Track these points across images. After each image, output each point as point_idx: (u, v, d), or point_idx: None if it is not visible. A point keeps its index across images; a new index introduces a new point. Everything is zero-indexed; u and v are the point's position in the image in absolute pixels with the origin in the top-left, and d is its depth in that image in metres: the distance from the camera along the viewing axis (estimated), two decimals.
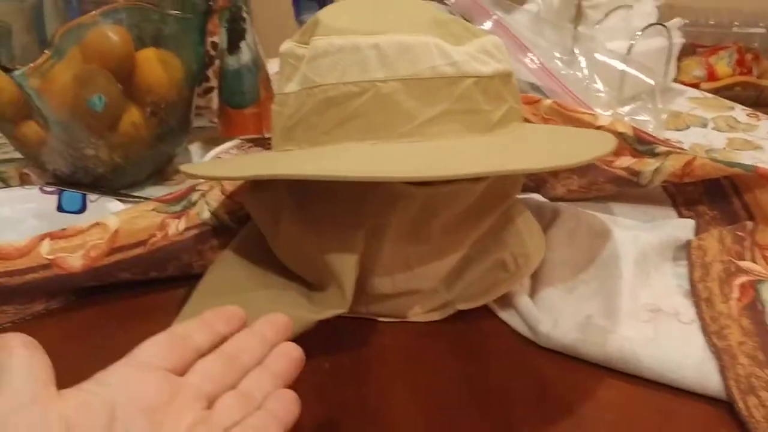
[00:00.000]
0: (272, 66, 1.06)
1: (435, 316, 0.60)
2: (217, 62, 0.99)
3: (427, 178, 0.46)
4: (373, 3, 0.59)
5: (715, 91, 1.69)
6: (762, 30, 1.92)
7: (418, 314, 0.60)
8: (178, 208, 0.66)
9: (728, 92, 1.74)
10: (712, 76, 1.79)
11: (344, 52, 0.52)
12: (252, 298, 0.57)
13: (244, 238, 0.64)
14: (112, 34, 0.73)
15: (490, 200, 0.58)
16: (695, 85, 1.73)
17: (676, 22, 1.02)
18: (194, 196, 0.67)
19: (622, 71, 0.87)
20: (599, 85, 0.82)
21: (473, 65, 0.53)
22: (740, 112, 1.03)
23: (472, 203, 0.56)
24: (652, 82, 0.85)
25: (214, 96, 1.02)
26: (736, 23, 1.92)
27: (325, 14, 0.56)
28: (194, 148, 0.94)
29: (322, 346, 0.55)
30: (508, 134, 0.55)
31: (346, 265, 0.54)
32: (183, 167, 0.58)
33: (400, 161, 0.49)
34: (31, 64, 0.67)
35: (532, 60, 0.85)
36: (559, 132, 0.63)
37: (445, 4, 0.92)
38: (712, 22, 1.92)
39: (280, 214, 0.58)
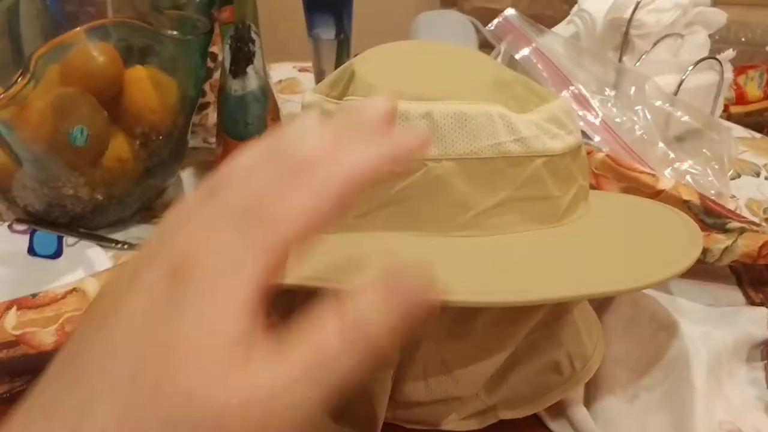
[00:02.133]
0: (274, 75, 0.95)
1: (473, 425, 0.50)
2: (216, 75, 0.89)
3: (492, 304, 0.37)
4: (421, 54, 0.49)
5: (745, 116, 1.60)
6: None
7: (453, 422, 0.50)
8: None
9: (758, 117, 1.65)
10: (741, 98, 1.69)
11: None
12: None
13: None
14: (96, 53, 0.63)
15: None
16: (723, 109, 1.64)
17: (728, 54, 0.92)
18: None
19: (667, 111, 0.77)
20: (656, 137, 0.72)
21: (543, 140, 0.43)
22: None
23: None
24: (699, 125, 0.75)
25: (211, 112, 0.91)
26: None
27: (362, 65, 0.46)
28: (186, 175, 0.83)
29: None
30: (577, 224, 0.46)
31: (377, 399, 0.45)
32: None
33: (455, 269, 0.39)
34: (2, 94, 0.56)
35: (577, 99, 0.75)
36: (632, 216, 0.54)
37: (479, 29, 0.82)
38: (743, 39, 1.82)
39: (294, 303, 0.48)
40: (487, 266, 0.40)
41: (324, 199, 0.25)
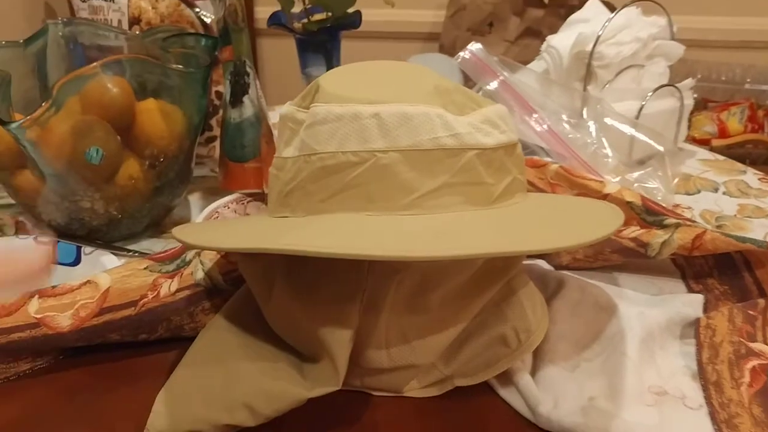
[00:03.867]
0: (275, 116, 1.05)
1: (432, 392, 0.57)
2: (221, 112, 0.99)
3: (424, 258, 0.44)
4: (376, 70, 0.57)
5: (727, 148, 1.68)
6: None
7: (414, 389, 0.57)
8: (171, 267, 0.64)
9: (740, 150, 1.72)
10: (723, 132, 1.77)
11: (344, 120, 0.51)
12: (243, 369, 0.54)
13: (237, 302, 0.62)
14: (111, 86, 0.72)
15: (492, 272, 0.56)
16: (706, 142, 1.72)
17: (688, 83, 1.00)
18: (189, 255, 0.65)
19: (630, 136, 0.85)
20: (608, 150, 0.80)
21: (476, 137, 0.51)
22: (752, 177, 1.01)
23: (473, 275, 0.55)
24: (661, 148, 0.84)
25: (217, 145, 1.01)
26: (748, 80, 1.91)
27: (325, 80, 0.55)
28: (194, 199, 0.93)
29: (313, 420, 0.54)
30: (510, 207, 0.54)
31: (339, 341, 0.51)
32: (174, 231, 0.57)
33: (398, 237, 0.47)
34: (28, 117, 0.66)
35: (538, 122, 0.83)
36: (563, 205, 0.61)
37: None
38: (724, 78, 1.91)
39: (274, 281, 0.56)
40: (428, 233, 0.48)
41: None
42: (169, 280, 0.63)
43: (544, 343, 0.60)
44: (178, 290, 0.63)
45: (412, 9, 1.92)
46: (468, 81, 1.03)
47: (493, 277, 0.56)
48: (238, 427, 0.50)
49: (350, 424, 0.54)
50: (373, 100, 0.51)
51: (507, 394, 0.57)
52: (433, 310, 0.54)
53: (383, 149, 0.50)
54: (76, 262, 0.74)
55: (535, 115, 0.85)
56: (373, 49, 1.51)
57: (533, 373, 0.58)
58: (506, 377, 0.57)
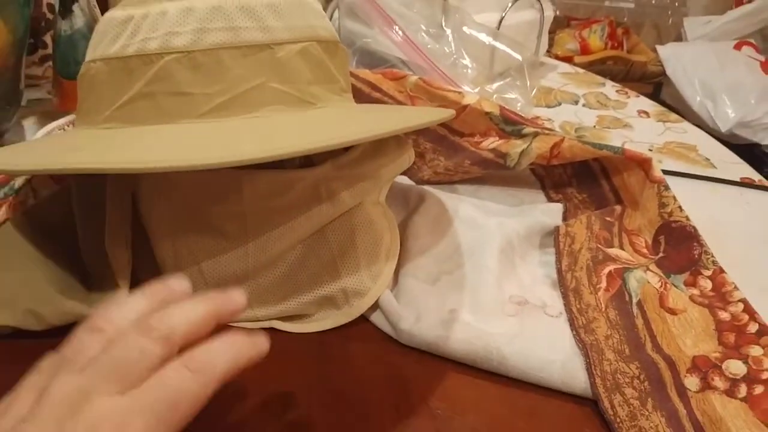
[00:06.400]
0: None
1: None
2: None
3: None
4: None
5: (588, 65, 1.71)
6: (631, 5, 1.95)
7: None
8: None
9: (601, 66, 1.76)
10: (585, 49, 1.80)
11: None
12: (32, 275, 0.52)
13: (35, 209, 0.57)
14: None
15: (307, 195, 0.52)
16: (569, 59, 1.74)
17: None
18: (18, 182, 0.59)
19: (491, 46, 0.83)
20: (467, 61, 0.78)
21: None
22: (611, 89, 1.02)
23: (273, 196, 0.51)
24: (519, 57, 0.82)
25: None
26: None
27: None
28: (28, 124, 0.85)
29: None
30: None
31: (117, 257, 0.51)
32: None
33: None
34: None
35: (397, 33, 0.80)
36: (382, 109, 0.58)
37: None
38: None
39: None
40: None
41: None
42: None
43: (405, 257, 0.58)
44: (5, 220, 0.57)
45: None
46: None
47: (310, 199, 0.52)
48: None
49: None
50: None
51: (368, 311, 0.54)
52: (224, 229, 0.51)
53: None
54: None
55: (395, 27, 0.81)
56: None
57: (394, 288, 0.56)
58: None
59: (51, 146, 0.49)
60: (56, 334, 0.47)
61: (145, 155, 0.41)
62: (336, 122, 0.48)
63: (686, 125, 0.92)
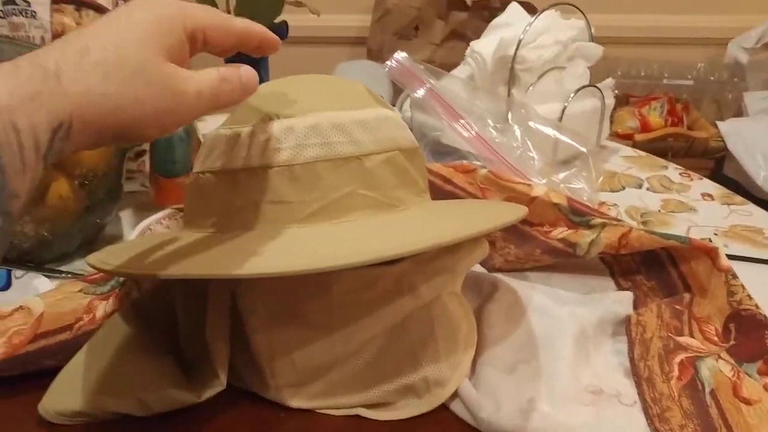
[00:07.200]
0: (205, 127, 1.04)
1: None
2: None
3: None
4: (304, 83, 0.58)
5: (649, 142, 1.73)
6: (690, 82, 1.97)
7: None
8: (105, 288, 0.63)
9: (662, 143, 1.78)
10: (645, 126, 1.83)
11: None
12: (141, 364, 0.56)
13: (136, 304, 0.63)
14: None
15: (390, 288, 0.55)
16: (629, 136, 1.77)
17: (608, 83, 1.03)
18: None
19: (555, 138, 0.87)
20: (533, 153, 0.82)
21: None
22: (673, 172, 1.04)
23: (362, 289, 0.54)
24: (584, 149, 0.86)
25: (147, 160, 0.98)
26: (665, 75, 1.97)
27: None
28: (126, 215, 0.91)
29: None
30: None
31: (216, 346, 0.54)
32: (88, 259, 0.55)
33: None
34: None
35: (465, 128, 0.84)
36: (463, 205, 0.63)
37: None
38: (643, 73, 1.96)
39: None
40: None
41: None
42: (105, 302, 0.62)
43: (482, 346, 0.61)
44: (114, 311, 0.61)
45: (338, 14, 1.92)
46: (396, 89, 1.04)
47: (392, 293, 0.55)
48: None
49: None
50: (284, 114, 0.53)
51: (448, 400, 0.57)
52: (314, 322, 0.55)
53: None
54: (7, 286, 0.73)
55: (462, 121, 0.86)
56: (301, 55, 1.50)
57: (472, 376, 0.59)
58: None
59: (182, 253, 0.52)
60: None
61: (270, 261, 0.46)
62: (428, 222, 0.53)
63: (751, 207, 0.93)
